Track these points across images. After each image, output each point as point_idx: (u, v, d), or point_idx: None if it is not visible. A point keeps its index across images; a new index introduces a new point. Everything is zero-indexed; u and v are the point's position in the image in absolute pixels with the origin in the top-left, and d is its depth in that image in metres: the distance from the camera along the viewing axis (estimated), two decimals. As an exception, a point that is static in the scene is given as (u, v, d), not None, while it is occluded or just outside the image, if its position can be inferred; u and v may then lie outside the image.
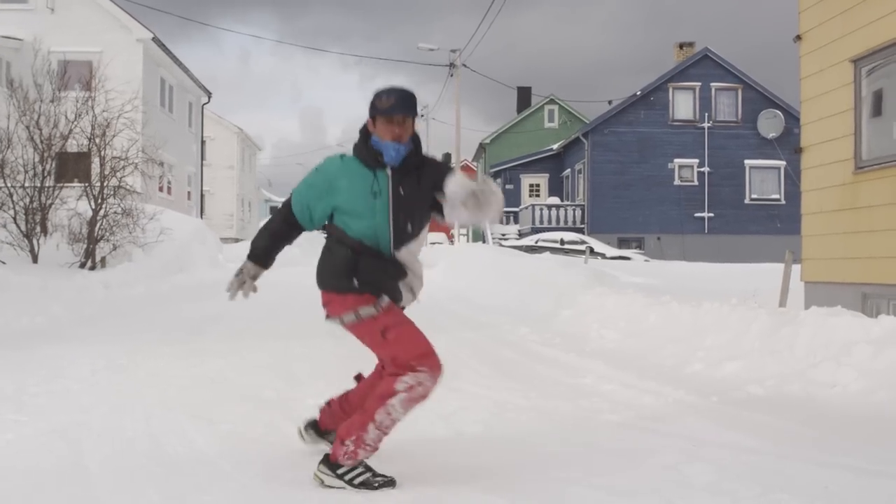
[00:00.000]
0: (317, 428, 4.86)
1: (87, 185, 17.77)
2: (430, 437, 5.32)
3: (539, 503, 3.86)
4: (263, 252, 4.42)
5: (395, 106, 4.16)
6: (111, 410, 5.91)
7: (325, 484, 4.10)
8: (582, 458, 4.75)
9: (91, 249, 17.25)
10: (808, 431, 5.60)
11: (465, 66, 35.46)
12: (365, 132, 4.27)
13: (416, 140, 4.31)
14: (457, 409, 6.12)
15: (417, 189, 4.23)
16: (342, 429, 4.18)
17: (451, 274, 21.56)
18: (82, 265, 16.97)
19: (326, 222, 4.31)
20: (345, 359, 9.09)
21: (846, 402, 6.54)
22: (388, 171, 4.19)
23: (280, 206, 4.49)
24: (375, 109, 4.20)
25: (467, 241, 43.82)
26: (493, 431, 5.62)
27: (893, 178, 10.44)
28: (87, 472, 4.33)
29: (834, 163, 11.65)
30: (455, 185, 4.03)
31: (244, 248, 34.38)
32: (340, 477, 4.09)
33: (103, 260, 17.58)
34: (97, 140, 17.81)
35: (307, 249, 40.48)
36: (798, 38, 12.68)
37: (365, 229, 4.15)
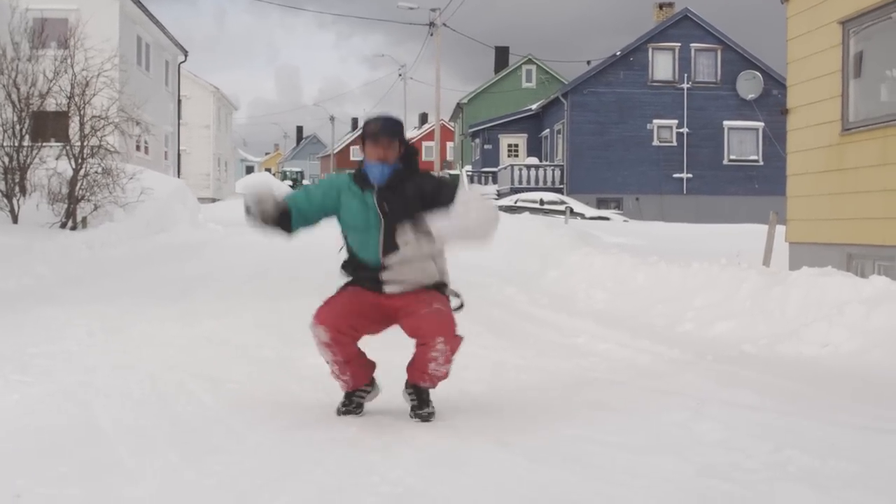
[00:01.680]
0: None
1: (66, 144, 17.56)
2: (435, 396, 5.35)
3: (557, 459, 3.90)
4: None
5: (381, 130, 4.64)
6: (114, 371, 5.91)
7: None
8: (590, 417, 4.81)
9: (72, 209, 17.10)
10: (807, 390, 5.68)
11: (445, 25, 35.26)
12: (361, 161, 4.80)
13: (407, 158, 4.75)
14: (457, 368, 6.11)
15: (402, 202, 4.62)
16: None
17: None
18: (63, 225, 16.83)
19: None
20: (337, 319, 9.16)
21: (839, 362, 6.64)
22: (374, 191, 4.67)
23: None
24: (364, 134, 4.70)
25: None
26: (497, 390, 5.67)
27: (881, 139, 10.51)
28: (103, 433, 4.33)
29: (820, 124, 11.70)
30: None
31: (222, 208, 34.19)
32: None
33: (84, 220, 17.43)
34: (76, 99, 17.58)
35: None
36: (785, -1, 12.68)
37: (357, 242, 4.78)
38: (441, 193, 4.62)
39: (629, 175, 37.73)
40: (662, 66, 38.10)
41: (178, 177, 33.56)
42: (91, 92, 17.66)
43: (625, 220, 32.36)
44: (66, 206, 17.01)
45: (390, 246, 4.64)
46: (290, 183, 67.32)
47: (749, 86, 37.55)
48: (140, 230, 18.25)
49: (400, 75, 55.23)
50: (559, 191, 37.70)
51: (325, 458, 3.91)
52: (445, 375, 4.85)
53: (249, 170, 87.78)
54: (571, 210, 31.00)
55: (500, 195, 39.86)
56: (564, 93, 39.09)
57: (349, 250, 4.86)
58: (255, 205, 4.56)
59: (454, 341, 4.75)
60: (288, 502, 3.31)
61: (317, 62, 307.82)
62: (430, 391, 4.92)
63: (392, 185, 4.65)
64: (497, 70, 58.07)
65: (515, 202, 33.86)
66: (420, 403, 4.83)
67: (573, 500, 3.36)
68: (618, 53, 38.40)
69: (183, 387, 5.48)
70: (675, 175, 38.07)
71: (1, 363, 5.97)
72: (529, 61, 55.41)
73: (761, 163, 37.96)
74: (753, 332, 7.82)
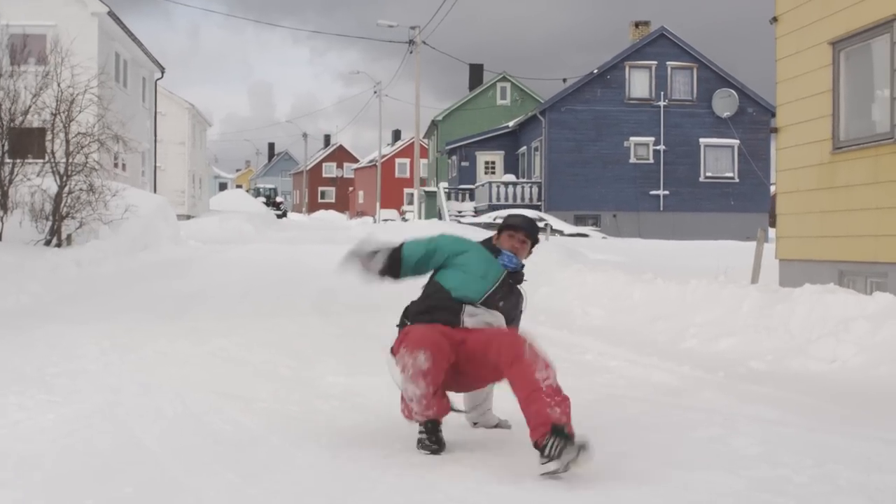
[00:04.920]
0: None
1: (47, 161, 17.46)
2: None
3: (612, 476, 3.96)
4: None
5: (521, 225, 5.06)
6: (141, 390, 5.90)
7: None
8: (624, 434, 4.87)
9: (57, 227, 16.99)
10: (826, 405, 5.79)
11: (424, 43, 35.41)
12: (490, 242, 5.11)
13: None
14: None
15: (508, 301, 4.91)
16: None
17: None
18: (48, 242, 16.71)
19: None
20: (341, 337, 9.20)
21: (848, 377, 6.76)
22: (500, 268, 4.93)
23: None
24: (505, 224, 5.10)
25: (418, 217, 43.81)
26: (524, 407, 5.70)
27: (872, 158, 10.70)
28: (151, 453, 4.34)
29: (811, 143, 11.88)
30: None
31: (198, 224, 34.00)
32: None
33: (69, 237, 17.32)
34: (62, 115, 17.50)
35: (259, 226, 39.93)
36: (774, 19, 12.89)
37: (460, 280, 4.81)
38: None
39: (606, 192, 37.94)
40: (639, 83, 38.41)
41: (156, 194, 33.39)
42: (77, 109, 17.60)
43: (603, 237, 32.56)
44: (50, 223, 16.91)
45: (492, 302, 4.80)
46: (264, 200, 66.97)
47: (724, 104, 37.93)
48: (125, 247, 18.16)
49: (375, 92, 55.31)
50: (537, 208, 37.83)
51: (381, 476, 3.94)
52: (555, 385, 4.23)
53: (223, 186, 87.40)
54: (550, 227, 31.15)
55: (477, 212, 39.99)
56: (542, 110, 39.30)
57: (437, 286, 4.84)
58: (367, 256, 4.82)
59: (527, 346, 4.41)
60: (362, 521, 3.34)
61: (290, 78, 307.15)
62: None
63: (512, 278, 4.95)
64: (472, 87, 58.33)
65: (494, 219, 33.95)
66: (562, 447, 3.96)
67: (641, 515, 3.43)
68: (595, 71, 38.67)
69: (213, 405, 5.49)
70: (652, 192, 38.33)
71: (25, 383, 5.95)
72: (504, 78, 55.70)
73: (737, 180, 38.33)
74: (758, 348, 7.92)
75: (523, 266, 5.05)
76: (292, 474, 3.97)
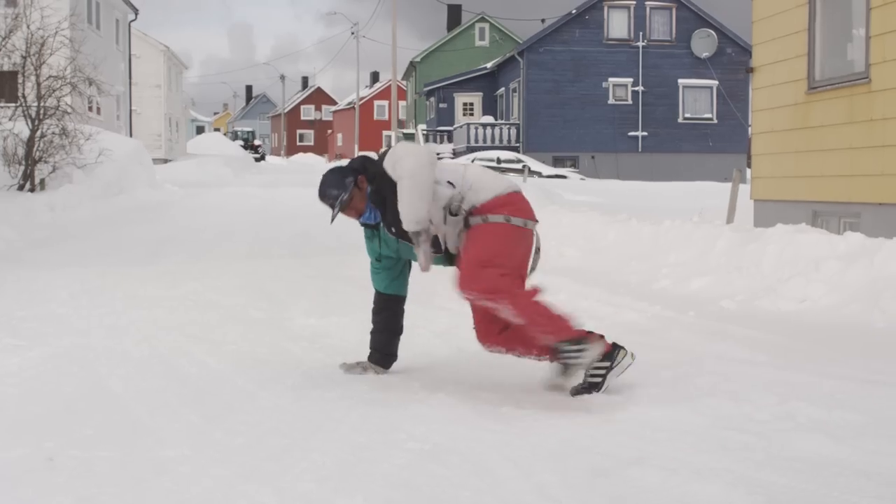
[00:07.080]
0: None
1: (18, 105, 17.25)
2: (434, 355, 5.43)
3: (573, 414, 3.99)
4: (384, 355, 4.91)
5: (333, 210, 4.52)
6: (108, 333, 5.88)
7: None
8: (590, 373, 4.87)
9: (29, 171, 16.83)
10: (793, 343, 5.83)
11: (401, -18, 34.97)
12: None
13: (370, 193, 4.53)
14: (449, 327, 6.25)
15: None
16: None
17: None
18: (21, 187, 16.56)
19: None
20: (315, 278, 9.19)
21: (818, 317, 6.79)
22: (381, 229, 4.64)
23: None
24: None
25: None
26: (493, 348, 5.71)
27: (847, 98, 10.67)
28: (115, 395, 4.33)
29: (786, 83, 11.84)
30: None
31: (175, 168, 33.76)
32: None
33: (42, 182, 17.16)
34: (33, 58, 17.26)
35: (237, 169, 39.74)
36: (751, -43, 12.76)
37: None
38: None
39: (585, 133, 37.89)
40: (618, 24, 38.21)
41: (131, 138, 33.07)
42: (48, 51, 17.36)
43: (582, 179, 32.60)
44: (23, 167, 16.75)
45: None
46: (242, 143, 66.42)
47: (703, 44, 37.81)
48: (100, 192, 18.02)
49: (353, 34, 54.77)
50: (515, 149, 37.77)
51: (344, 416, 3.94)
52: (535, 319, 4.28)
53: (200, 130, 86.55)
54: (529, 168, 31.10)
55: (456, 154, 39.86)
56: (520, 51, 39.07)
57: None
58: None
59: (481, 284, 4.35)
60: (322, 460, 3.33)
61: (271, 20, 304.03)
62: (564, 345, 4.29)
63: (384, 215, 4.54)
64: (450, 28, 57.87)
65: (472, 161, 33.87)
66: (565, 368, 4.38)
67: (602, 451, 3.44)
68: (573, 11, 38.42)
69: (181, 348, 5.48)
70: (631, 133, 38.32)
71: (-9, 328, 5.92)
72: (482, 19, 55.29)
73: (715, 121, 38.36)
74: (730, 288, 7.93)
75: (374, 213, 4.57)
76: (255, 415, 3.97)
